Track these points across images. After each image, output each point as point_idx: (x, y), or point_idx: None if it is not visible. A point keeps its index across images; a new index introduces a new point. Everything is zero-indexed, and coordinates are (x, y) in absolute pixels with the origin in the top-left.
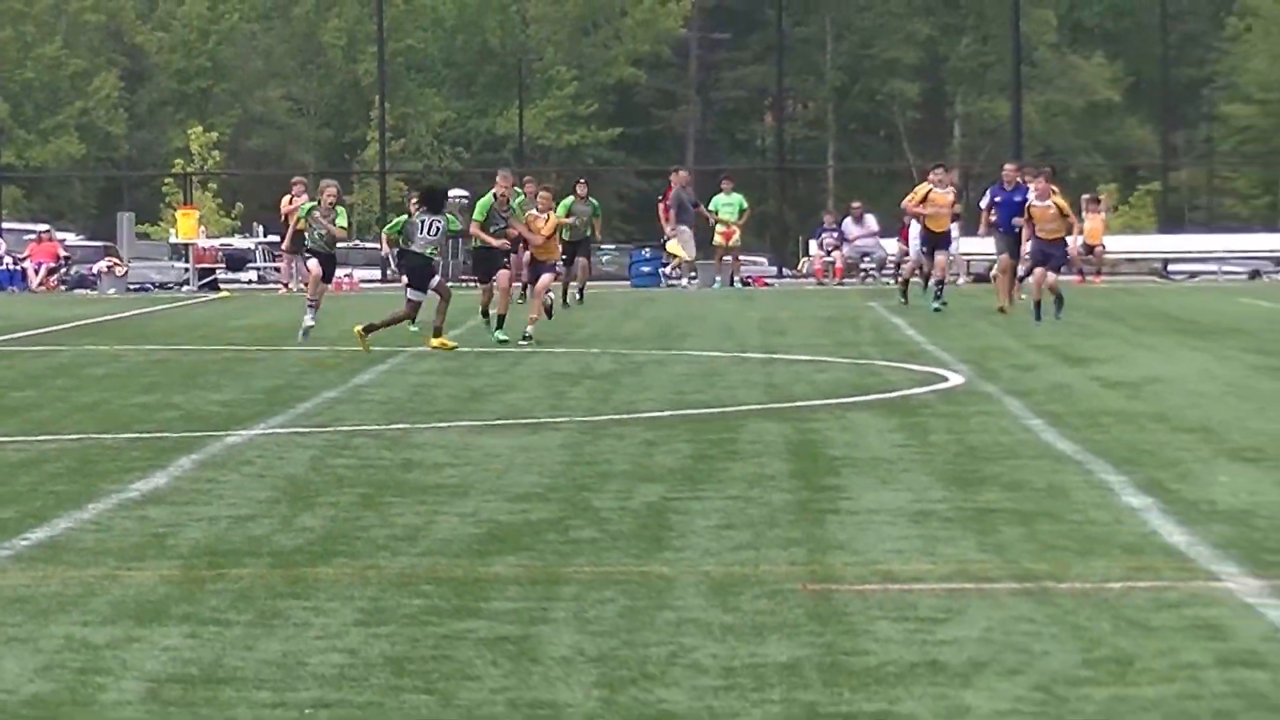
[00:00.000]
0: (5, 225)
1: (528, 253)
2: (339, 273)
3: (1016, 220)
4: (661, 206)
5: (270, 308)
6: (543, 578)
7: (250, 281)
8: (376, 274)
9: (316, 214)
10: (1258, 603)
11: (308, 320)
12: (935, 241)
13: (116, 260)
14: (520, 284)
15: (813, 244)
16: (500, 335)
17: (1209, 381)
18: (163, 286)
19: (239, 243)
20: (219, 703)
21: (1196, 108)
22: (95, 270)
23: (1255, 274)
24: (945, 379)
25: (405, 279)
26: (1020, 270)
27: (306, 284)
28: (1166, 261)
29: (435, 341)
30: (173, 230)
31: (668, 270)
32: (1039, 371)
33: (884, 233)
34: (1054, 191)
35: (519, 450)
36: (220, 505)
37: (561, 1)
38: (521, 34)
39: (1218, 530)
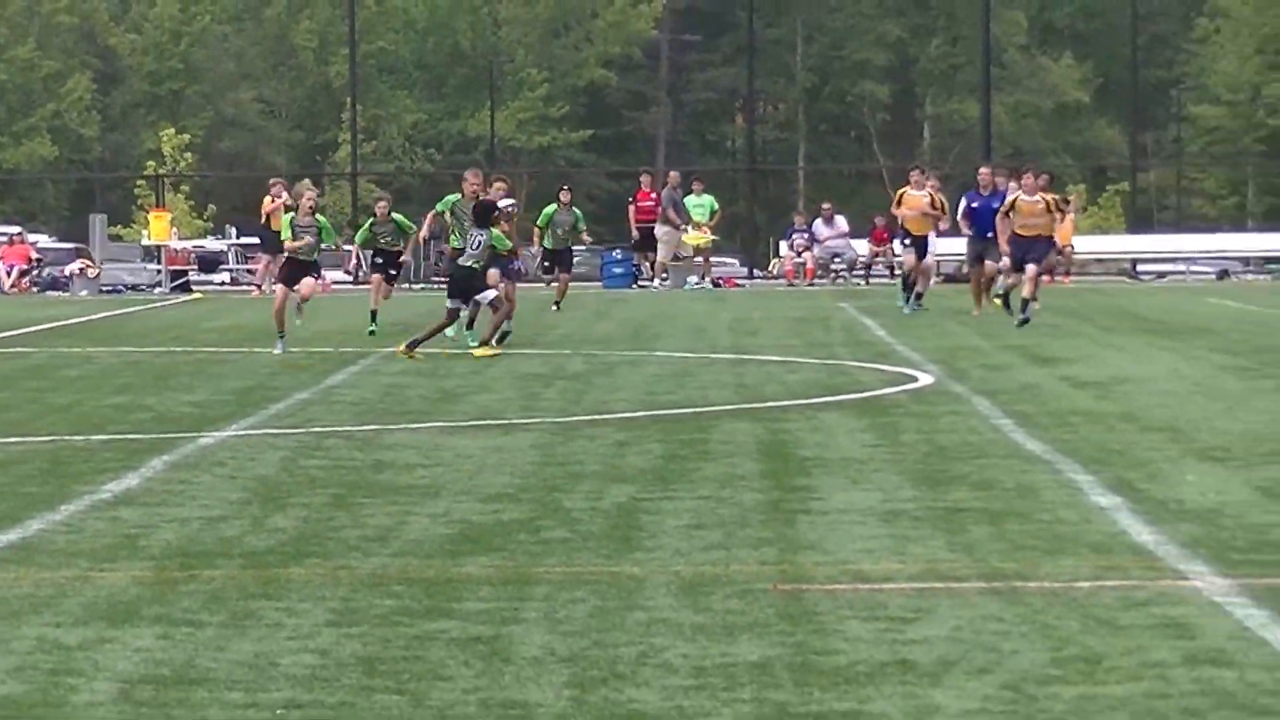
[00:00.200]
0: None
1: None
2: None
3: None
4: (632, 209)
5: (243, 309)
6: (514, 578)
7: (223, 283)
8: (348, 276)
9: (299, 222)
10: (1225, 601)
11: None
12: (914, 243)
13: (89, 262)
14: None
15: (783, 245)
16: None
17: (1177, 381)
18: (135, 288)
19: (211, 244)
20: (191, 703)
21: (1165, 109)
22: (67, 272)
23: (1223, 274)
24: (915, 379)
25: (446, 289)
26: (1000, 267)
27: (302, 294)
28: (1135, 262)
29: (480, 351)
30: (145, 232)
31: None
32: (1008, 371)
33: (854, 234)
34: (1042, 189)
35: (491, 451)
36: (192, 506)
37: (533, 3)
38: (493, 36)
39: (1185, 529)
